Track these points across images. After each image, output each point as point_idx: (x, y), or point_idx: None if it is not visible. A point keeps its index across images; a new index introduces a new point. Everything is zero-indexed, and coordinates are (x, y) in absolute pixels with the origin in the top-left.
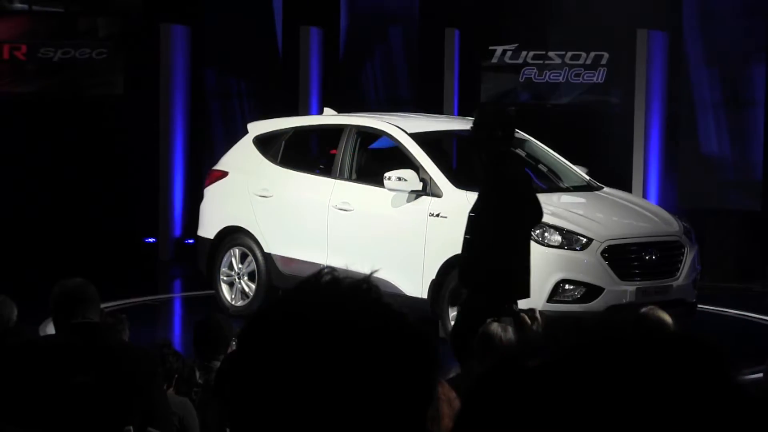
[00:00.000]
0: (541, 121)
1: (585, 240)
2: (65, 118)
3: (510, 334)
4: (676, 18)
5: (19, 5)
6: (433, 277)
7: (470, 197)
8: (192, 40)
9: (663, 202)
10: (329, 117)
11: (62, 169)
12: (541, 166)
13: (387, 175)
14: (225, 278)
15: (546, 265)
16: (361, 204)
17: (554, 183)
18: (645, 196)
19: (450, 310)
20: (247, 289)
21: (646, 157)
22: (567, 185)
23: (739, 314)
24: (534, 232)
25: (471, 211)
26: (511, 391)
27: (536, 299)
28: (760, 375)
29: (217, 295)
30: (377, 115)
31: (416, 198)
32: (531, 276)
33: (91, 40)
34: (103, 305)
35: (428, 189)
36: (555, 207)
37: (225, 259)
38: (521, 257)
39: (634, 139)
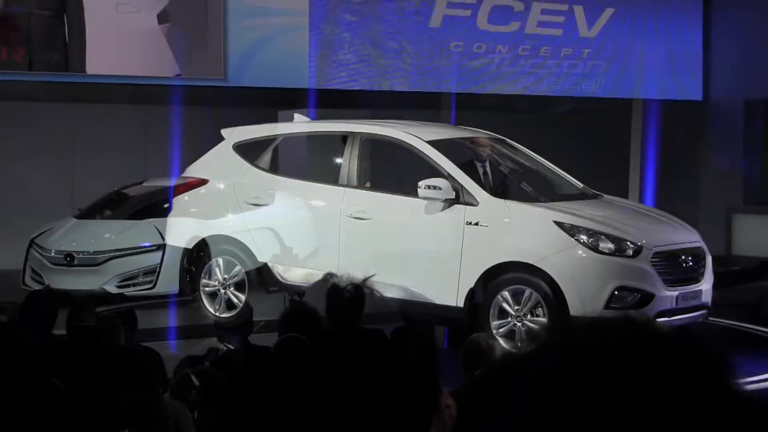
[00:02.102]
0: (539, 128)
1: (635, 247)
2: None
3: (494, 340)
4: None
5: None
6: (471, 285)
7: (510, 205)
8: None
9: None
10: (326, 124)
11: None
12: (534, 175)
13: (420, 183)
14: (206, 289)
15: (602, 272)
16: (380, 212)
17: (555, 191)
18: (642, 203)
19: (492, 318)
20: (234, 300)
21: (643, 164)
22: (565, 193)
23: (734, 324)
24: (584, 238)
25: None
26: (509, 398)
27: (594, 306)
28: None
29: (199, 306)
30: (383, 122)
31: (449, 206)
32: (592, 283)
33: None
34: (99, 309)
35: (461, 197)
36: (587, 214)
37: (205, 268)
38: None
39: (631, 146)
